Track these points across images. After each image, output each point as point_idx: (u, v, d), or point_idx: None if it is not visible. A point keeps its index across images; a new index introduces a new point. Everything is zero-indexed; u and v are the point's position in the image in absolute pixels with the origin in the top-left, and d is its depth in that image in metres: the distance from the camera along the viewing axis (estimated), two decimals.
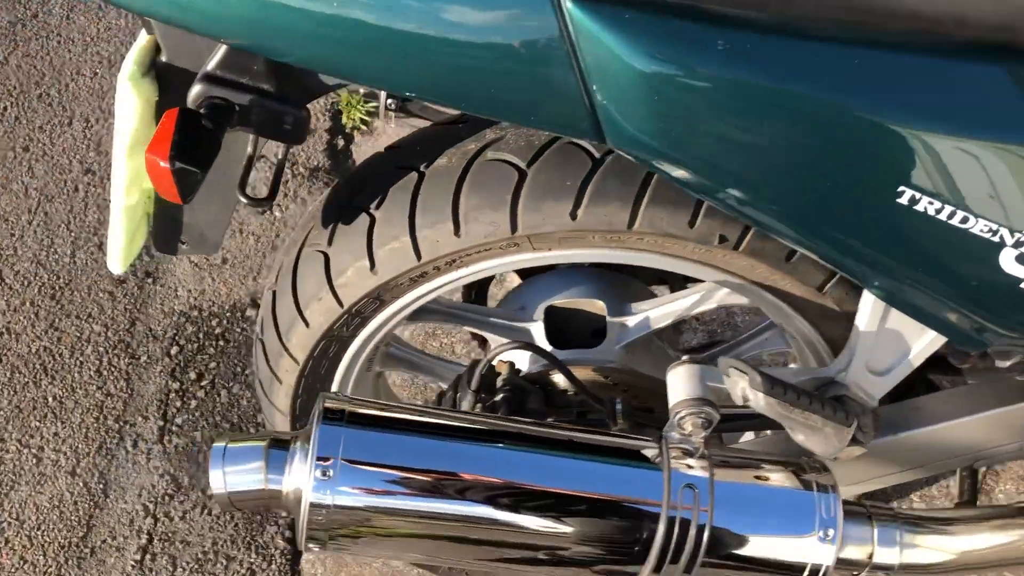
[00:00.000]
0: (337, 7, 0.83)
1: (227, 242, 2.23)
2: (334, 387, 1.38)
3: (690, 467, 1.03)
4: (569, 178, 1.14)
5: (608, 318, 1.41)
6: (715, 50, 0.82)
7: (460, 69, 0.87)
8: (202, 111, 0.92)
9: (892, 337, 1.13)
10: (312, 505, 0.96)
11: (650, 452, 1.02)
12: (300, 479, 0.97)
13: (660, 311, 1.40)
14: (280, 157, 1.18)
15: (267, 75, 0.95)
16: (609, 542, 1.01)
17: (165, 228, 1.14)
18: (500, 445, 1.00)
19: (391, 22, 0.84)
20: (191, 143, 0.88)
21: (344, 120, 2.40)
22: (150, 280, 2.20)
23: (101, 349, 2.11)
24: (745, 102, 0.83)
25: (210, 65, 0.94)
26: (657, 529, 0.99)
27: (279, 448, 1.00)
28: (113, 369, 2.09)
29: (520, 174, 1.15)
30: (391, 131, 2.37)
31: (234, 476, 0.99)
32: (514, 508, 0.98)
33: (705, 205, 1.14)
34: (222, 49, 0.94)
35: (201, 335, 2.12)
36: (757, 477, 1.03)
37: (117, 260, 1.13)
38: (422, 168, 1.19)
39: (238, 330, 2.14)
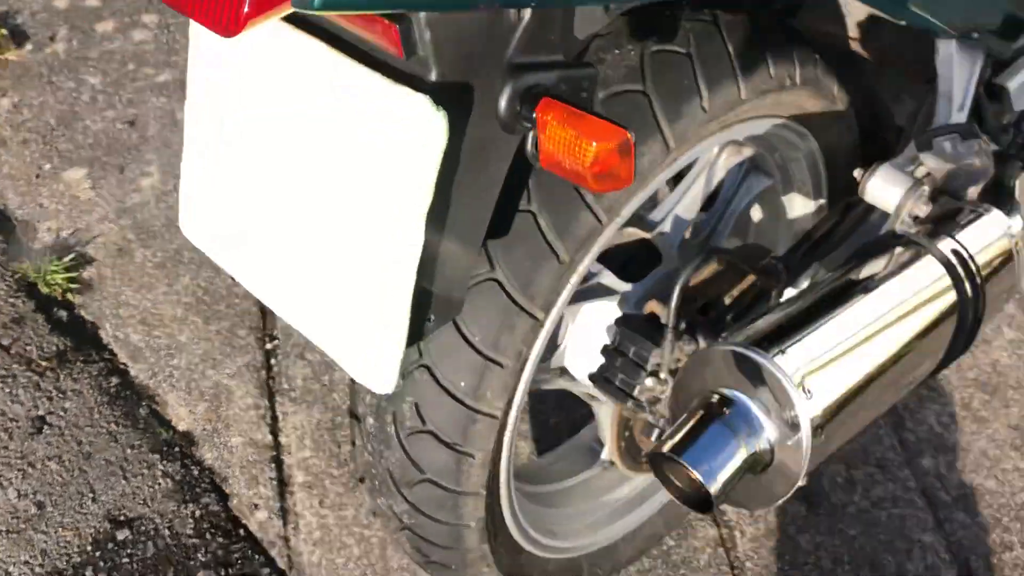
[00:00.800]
0: None
1: (30, 483, 1.74)
2: (510, 423, 1.23)
3: (937, 235, 1.15)
4: (684, 78, 1.17)
5: (649, 236, 1.44)
6: None
7: None
8: None
9: None
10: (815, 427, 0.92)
11: (908, 248, 1.13)
12: (782, 419, 0.91)
13: (684, 205, 1.46)
14: None
15: None
16: (934, 332, 1.11)
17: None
18: (868, 292, 1.07)
19: None
20: None
21: (45, 290, 1.97)
22: None
23: None
24: None
25: None
26: (961, 297, 1.11)
27: (720, 412, 0.92)
28: None
29: (645, 97, 1.15)
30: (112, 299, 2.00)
31: (718, 470, 0.90)
32: (902, 325, 1.08)
33: (769, 54, 1.25)
34: None
35: None
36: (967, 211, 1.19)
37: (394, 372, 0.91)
38: None
39: (125, 561, 1.70)
